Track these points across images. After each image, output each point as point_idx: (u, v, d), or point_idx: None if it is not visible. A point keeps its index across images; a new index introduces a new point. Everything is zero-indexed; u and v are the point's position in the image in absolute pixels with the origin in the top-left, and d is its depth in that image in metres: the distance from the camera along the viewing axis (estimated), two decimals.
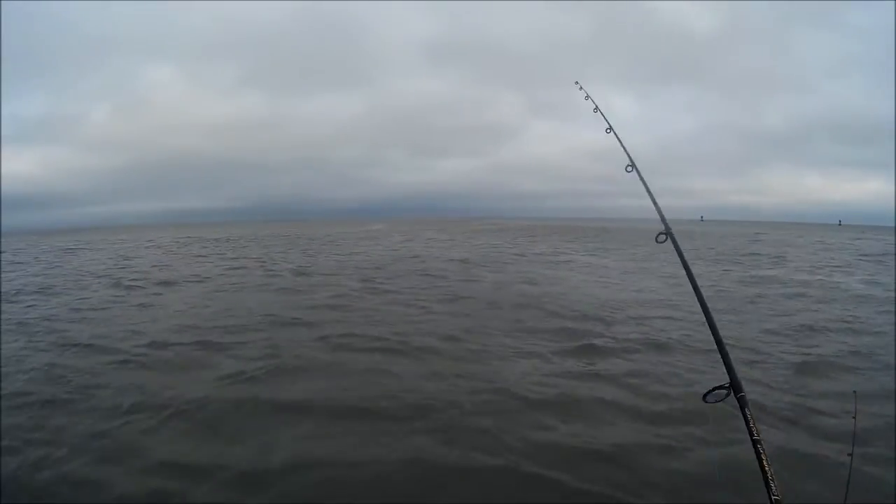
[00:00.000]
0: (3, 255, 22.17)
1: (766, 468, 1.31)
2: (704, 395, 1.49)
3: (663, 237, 1.97)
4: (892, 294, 9.62)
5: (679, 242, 2.01)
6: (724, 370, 1.52)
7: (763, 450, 1.38)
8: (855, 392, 2.71)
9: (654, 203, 2.20)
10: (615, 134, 2.77)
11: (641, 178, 2.32)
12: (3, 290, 11.03)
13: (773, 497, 1.27)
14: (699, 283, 1.82)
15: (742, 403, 1.44)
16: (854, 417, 1.94)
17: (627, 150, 2.52)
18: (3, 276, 14.04)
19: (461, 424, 3.78)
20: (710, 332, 1.67)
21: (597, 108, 3.14)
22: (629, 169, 2.45)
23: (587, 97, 3.33)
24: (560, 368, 5.12)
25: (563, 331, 6.60)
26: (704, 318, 1.71)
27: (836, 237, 36.51)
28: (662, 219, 2.09)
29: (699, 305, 1.74)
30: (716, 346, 1.56)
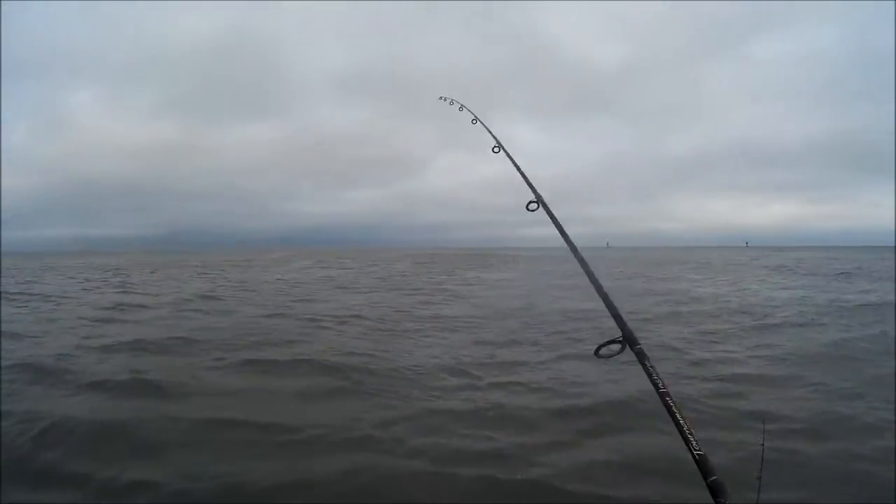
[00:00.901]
0: None
1: (681, 421, 1.14)
2: (597, 350, 1.30)
3: (535, 205, 1.85)
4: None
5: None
6: (616, 326, 1.35)
7: (673, 402, 1.21)
8: (763, 422, 2.69)
9: (525, 179, 2.09)
10: (503, 149, 2.67)
11: (529, 183, 2.20)
12: None
13: (696, 451, 1.09)
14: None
15: (640, 356, 1.28)
16: (763, 445, 1.76)
17: (517, 163, 2.45)
18: None
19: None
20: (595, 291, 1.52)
21: (476, 119, 3.07)
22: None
23: (461, 108, 3.24)
24: None
25: None
26: (588, 279, 1.56)
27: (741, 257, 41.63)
28: (532, 188, 1.99)
29: (579, 265, 1.59)
30: (603, 305, 1.39)
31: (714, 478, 1.06)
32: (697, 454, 1.07)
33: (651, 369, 1.26)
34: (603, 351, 1.30)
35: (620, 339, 1.31)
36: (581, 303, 9.48)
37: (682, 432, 1.14)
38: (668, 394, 1.22)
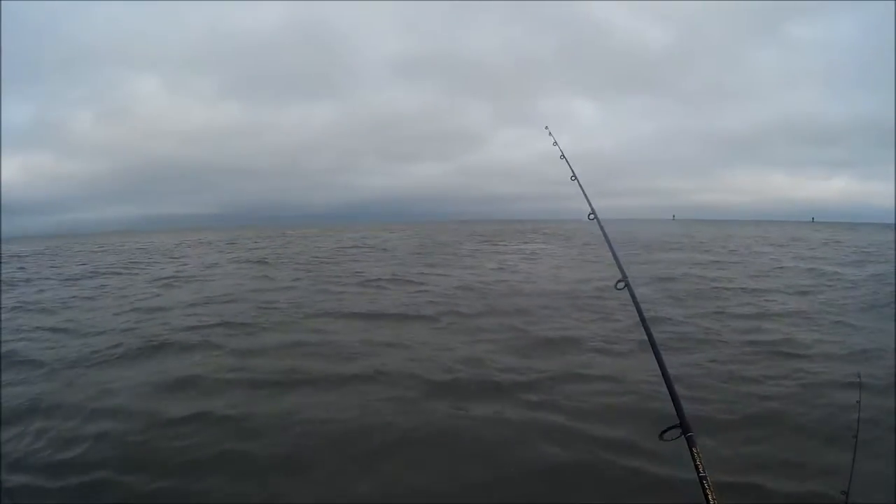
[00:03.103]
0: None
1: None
2: (661, 434, 1.56)
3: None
4: None
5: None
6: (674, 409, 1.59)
7: (709, 486, 1.47)
8: (860, 376, 2.47)
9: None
10: (577, 180, 2.96)
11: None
12: None
13: None
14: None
15: (690, 443, 1.53)
16: (858, 402, 1.89)
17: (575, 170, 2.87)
18: None
19: None
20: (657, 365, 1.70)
21: (563, 156, 3.25)
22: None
23: (554, 143, 3.44)
24: None
25: None
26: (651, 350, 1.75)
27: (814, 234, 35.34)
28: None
29: (645, 335, 1.80)
30: (663, 382, 1.63)
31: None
32: None
33: (696, 455, 1.50)
34: (665, 436, 1.56)
35: (677, 424, 1.56)
36: None
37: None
38: (706, 478, 1.48)
